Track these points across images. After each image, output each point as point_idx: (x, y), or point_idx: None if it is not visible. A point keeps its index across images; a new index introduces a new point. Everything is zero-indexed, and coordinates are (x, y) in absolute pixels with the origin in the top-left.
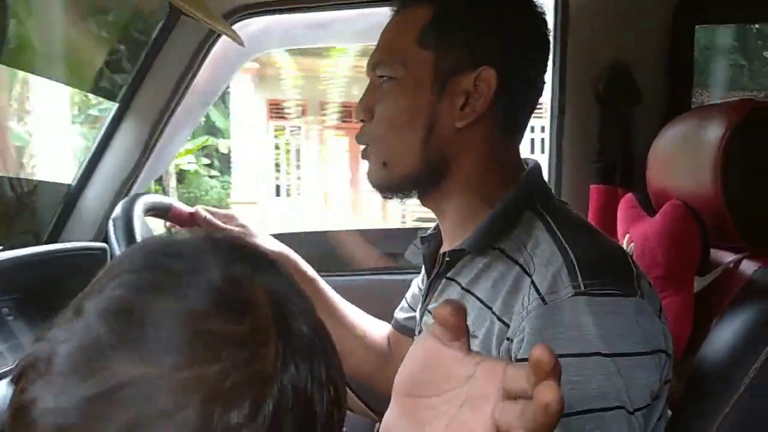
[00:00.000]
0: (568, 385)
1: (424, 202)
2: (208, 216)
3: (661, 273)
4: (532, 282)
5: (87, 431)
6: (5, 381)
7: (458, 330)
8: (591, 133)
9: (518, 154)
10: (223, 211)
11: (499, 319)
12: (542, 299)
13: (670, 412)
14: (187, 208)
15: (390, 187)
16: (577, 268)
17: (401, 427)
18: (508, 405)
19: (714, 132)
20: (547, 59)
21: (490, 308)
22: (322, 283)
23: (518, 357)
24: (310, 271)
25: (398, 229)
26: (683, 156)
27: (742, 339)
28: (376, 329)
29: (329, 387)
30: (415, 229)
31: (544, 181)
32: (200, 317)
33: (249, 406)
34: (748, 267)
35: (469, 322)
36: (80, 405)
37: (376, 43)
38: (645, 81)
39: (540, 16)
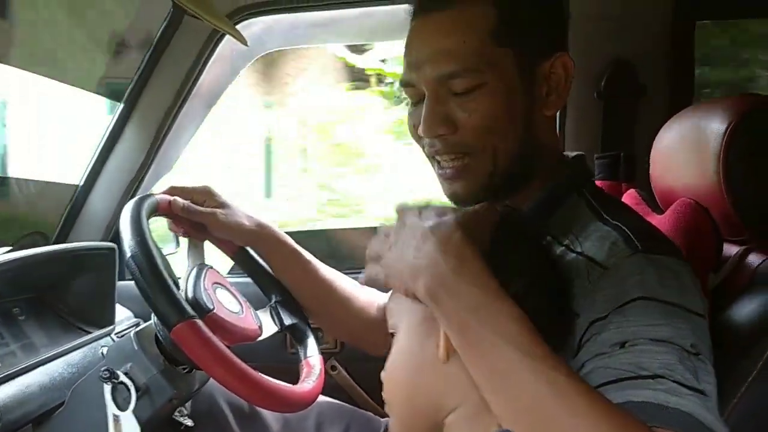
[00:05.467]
0: (659, 323)
1: (504, 197)
2: (185, 203)
3: None
4: (588, 258)
5: None
6: (20, 379)
7: None
8: (593, 128)
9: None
10: (199, 188)
11: None
12: (602, 266)
13: None
14: (167, 198)
15: (491, 195)
16: (632, 236)
17: None
18: None
19: (717, 126)
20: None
21: None
22: (306, 254)
23: (591, 319)
24: (291, 242)
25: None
26: (687, 150)
27: (749, 331)
28: (363, 295)
29: None
30: None
31: (589, 168)
32: None
33: None
34: (754, 260)
35: None
36: None
37: (380, 41)
38: (646, 76)
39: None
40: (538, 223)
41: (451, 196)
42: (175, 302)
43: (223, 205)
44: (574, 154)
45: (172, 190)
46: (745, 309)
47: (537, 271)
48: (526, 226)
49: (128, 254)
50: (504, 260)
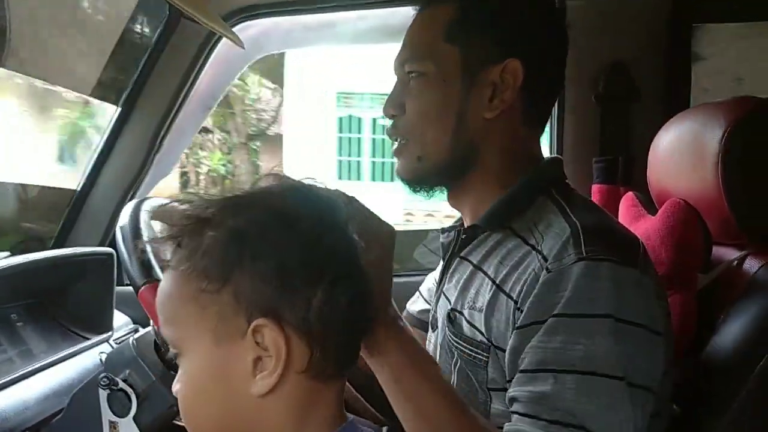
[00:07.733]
0: (576, 344)
1: (450, 195)
2: None
3: (665, 271)
4: (541, 255)
5: None
6: (18, 386)
7: None
8: (591, 132)
9: (539, 145)
10: None
11: (500, 289)
12: (547, 269)
13: (677, 409)
14: None
15: (422, 180)
16: (581, 237)
17: None
18: None
19: (715, 129)
20: (566, 53)
21: (494, 281)
22: None
23: (517, 325)
24: None
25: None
26: (684, 153)
27: (748, 336)
28: None
29: None
30: (425, 231)
31: (563, 173)
32: None
33: None
34: (752, 264)
35: (473, 295)
36: None
37: (375, 43)
38: (644, 80)
39: (560, 11)
40: (499, 221)
41: (397, 173)
42: (147, 265)
43: None
44: (550, 157)
45: None
46: (743, 314)
47: None
48: None
49: (118, 226)
50: None
